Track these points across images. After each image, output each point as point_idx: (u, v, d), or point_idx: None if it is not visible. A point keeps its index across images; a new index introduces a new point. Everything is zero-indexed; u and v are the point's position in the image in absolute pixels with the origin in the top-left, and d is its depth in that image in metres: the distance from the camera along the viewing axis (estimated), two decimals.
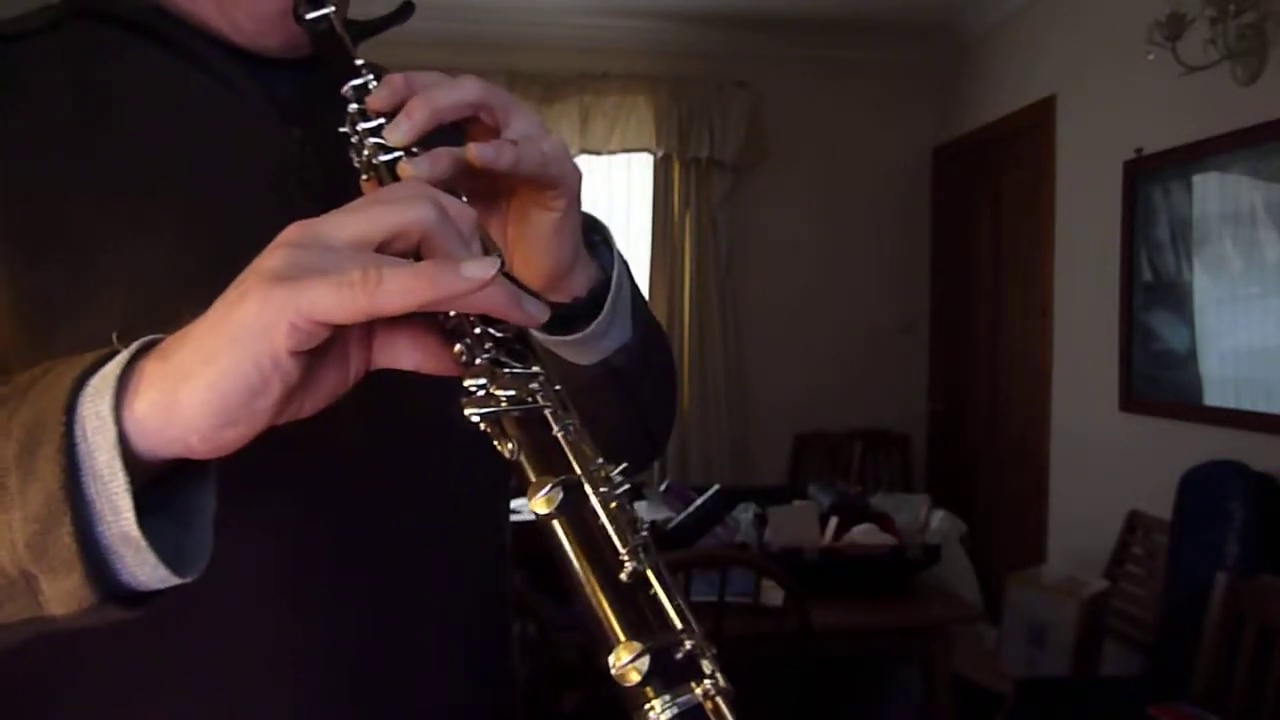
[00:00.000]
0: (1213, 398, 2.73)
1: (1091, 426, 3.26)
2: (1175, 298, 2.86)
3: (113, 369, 0.37)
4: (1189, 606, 2.27)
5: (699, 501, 2.55)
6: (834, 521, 2.54)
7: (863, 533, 2.50)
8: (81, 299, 0.52)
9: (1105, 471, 3.18)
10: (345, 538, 0.57)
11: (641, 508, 2.73)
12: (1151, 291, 2.97)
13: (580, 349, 0.58)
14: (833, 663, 2.70)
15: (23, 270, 0.52)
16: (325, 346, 0.37)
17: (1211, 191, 2.74)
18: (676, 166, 4.18)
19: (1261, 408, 2.54)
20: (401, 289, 0.35)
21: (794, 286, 4.33)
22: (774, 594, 2.14)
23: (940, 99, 4.33)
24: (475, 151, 0.47)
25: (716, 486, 2.68)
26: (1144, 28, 2.61)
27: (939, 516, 2.91)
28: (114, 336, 0.39)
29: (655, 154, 4.16)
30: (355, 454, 0.57)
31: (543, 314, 0.40)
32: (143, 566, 0.37)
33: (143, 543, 0.36)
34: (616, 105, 4.09)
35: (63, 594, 0.37)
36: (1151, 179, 2.94)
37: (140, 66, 0.59)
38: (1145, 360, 3.00)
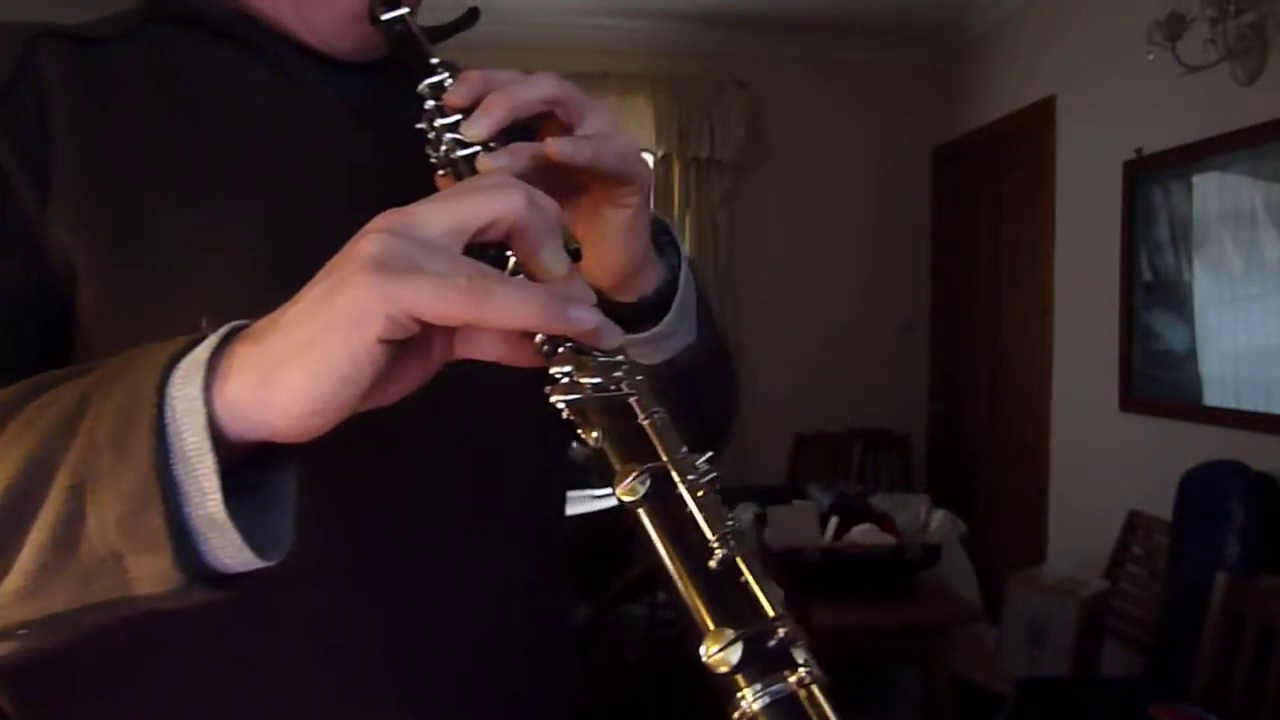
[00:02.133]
0: (1213, 398, 2.72)
1: (1091, 426, 3.26)
2: (1175, 298, 2.86)
3: (203, 352, 0.37)
4: (1189, 606, 2.27)
5: None
6: (834, 521, 2.54)
7: (863, 533, 2.51)
8: (160, 302, 0.52)
9: (1105, 471, 3.18)
10: (398, 526, 0.58)
11: None
12: (1151, 291, 2.97)
13: (648, 348, 0.58)
14: (833, 663, 2.69)
15: (106, 266, 0.53)
16: (412, 338, 0.38)
17: (1211, 191, 2.73)
18: (676, 166, 4.18)
19: (1261, 408, 2.54)
20: (507, 310, 0.36)
21: (794, 286, 4.32)
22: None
23: (940, 99, 4.33)
24: (554, 146, 0.47)
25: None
26: (1144, 28, 2.60)
27: (939, 516, 2.91)
28: (203, 322, 0.39)
29: (655, 154, 4.15)
30: (410, 442, 0.57)
31: (617, 339, 0.40)
32: (228, 549, 0.37)
33: (228, 525, 0.37)
34: (616, 105, 4.09)
35: (151, 574, 0.37)
36: (1151, 179, 2.94)
37: (220, 69, 0.60)
38: (1145, 360, 3.00)
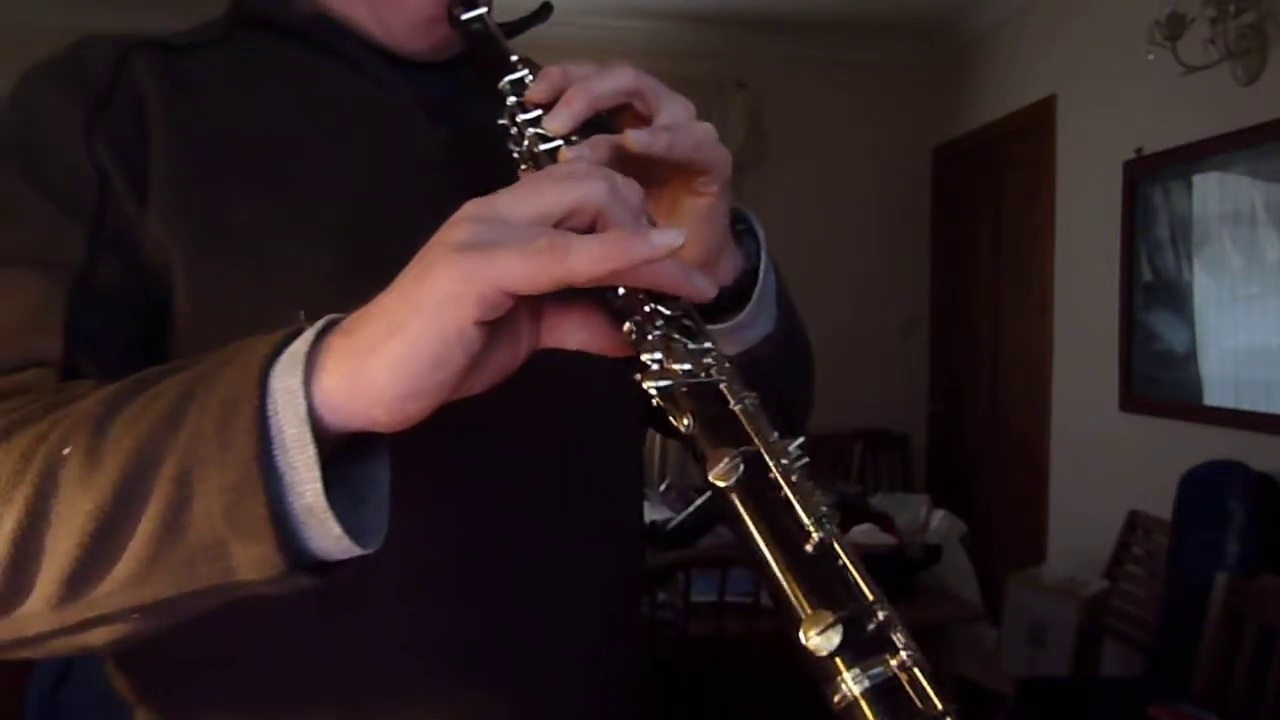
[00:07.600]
0: (1213, 398, 2.73)
1: (1091, 426, 3.26)
2: (1175, 298, 2.86)
3: (301, 345, 0.38)
4: (1189, 606, 2.27)
5: (699, 501, 2.55)
6: None
7: (863, 533, 2.50)
8: (243, 295, 0.54)
9: (1105, 471, 3.18)
10: (489, 523, 0.58)
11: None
12: (1151, 291, 2.97)
13: (727, 338, 0.58)
14: None
15: (193, 261, 0.54)
16: (500, 322, 0.38)
17: (1211, 191, 2.73)
18: None
19: (1261, 408, 2.54)
20: (591, 256, 0.36)
21: (794, 286, 4.25)
22: None
23: (940, 99, 4.33)
24: (631, 138, 0.48)
25: None
26: (1144, 28, 2.61)
27: (939, 516, 2.91)
28: (300, 315, 0.40)
29: None
30: (504, 441, 0.58)
31: (712, 289, 0.41)
32: (327, 537, 0.39)
33: (328, 514, 0.38)
34: None
35: (254, 561, 0.38)
36: (1151, 179, 2.94)
37: (299, 70, 0.62)
38: (1145, 360, 3.00)
